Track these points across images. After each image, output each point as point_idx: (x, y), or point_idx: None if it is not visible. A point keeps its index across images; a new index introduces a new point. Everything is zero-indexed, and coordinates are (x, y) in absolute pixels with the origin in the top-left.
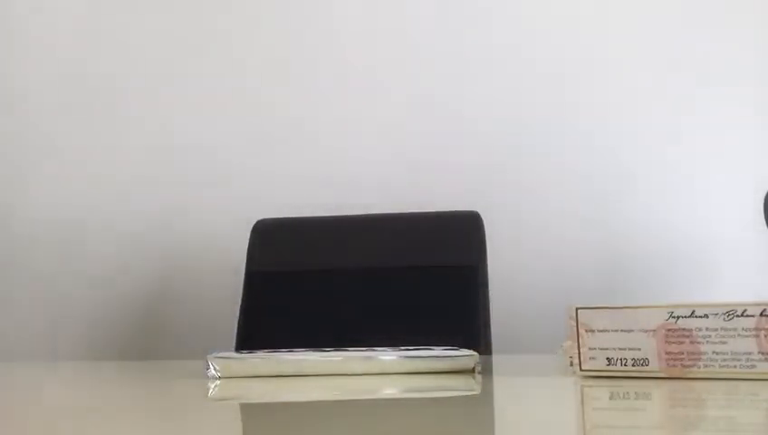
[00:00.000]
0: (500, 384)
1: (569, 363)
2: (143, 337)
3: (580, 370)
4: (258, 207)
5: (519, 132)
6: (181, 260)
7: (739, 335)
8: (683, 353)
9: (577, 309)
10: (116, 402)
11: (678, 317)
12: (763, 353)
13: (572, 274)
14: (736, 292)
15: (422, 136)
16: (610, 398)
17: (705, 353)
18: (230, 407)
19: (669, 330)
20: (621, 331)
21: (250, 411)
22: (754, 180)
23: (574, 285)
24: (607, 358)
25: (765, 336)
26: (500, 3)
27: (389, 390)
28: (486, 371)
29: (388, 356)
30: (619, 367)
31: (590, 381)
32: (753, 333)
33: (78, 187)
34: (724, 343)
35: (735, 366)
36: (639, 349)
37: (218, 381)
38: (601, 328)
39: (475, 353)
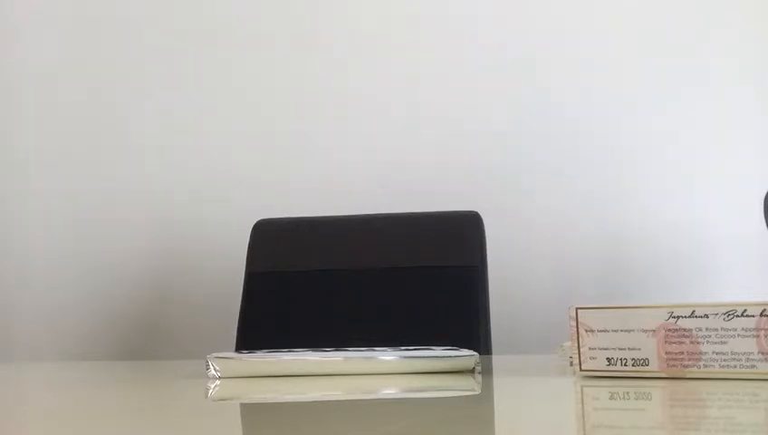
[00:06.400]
0: (500, 384)
1: (569, 363)
2: (143, 337)
3: (580, 370)
4: (258, 208)
5: (519, 133)
6: (181, 260)
7: (739, 335)
8: (683, 353)
9: (577, 309)
10: (116, 402)
11: (678, 317)
12: (763, 353)
13: (572, 273)
14: (736, 292)
15: (422, 136)
16: (610, 398)
17: (705, 353)
18: (230, 407)
19: (669, 330)
20: (621, 331)
21: (250, 411)
22: (754, 180)
23: (574, 284)
24: (607, 358)
25: (765, 336)
26: (500, 4)
27: (389, 390)
28: (486, 371)
29: (388, 356)
30: (619, 367)
31: (590, 381)
32: (753, 333)
33: (78, 187)
34: (724, 343)
35: (735, 366)
36: (639, 349)
37: (218, 381)
38: (601, 328)
39: (475, 353)
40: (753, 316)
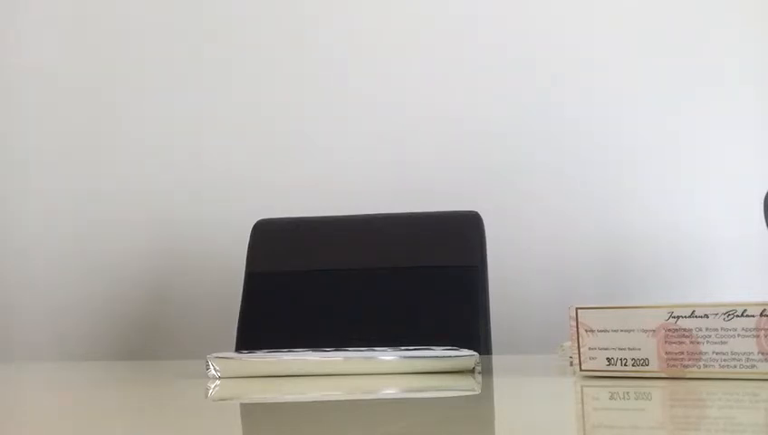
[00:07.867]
0: (500, 384)
1: (569, 363)
2: (143, 337)
3: (580, 370)
4: (258, 208)
5: (519, 133)
6: (181, 260)
7: (739, 335)
8: (683, 353)
9: (577, 309)
10: (116, 402)
11: (678, 317)
12: (762, 353)
13: (572, 273)
14: (736, 292)
15: (422, 136)
16: (610, 398)
17: (705, 353)
18: (230, 407)
19: (669, 330)
20: (621, 331)
21: (250, 411)
22: (754, 180)
23: (574, 284)
24: (607, 358)
25: (765, 336)
26: (500, 4)
27: (389, 390)
28: (486, 371)
29: (388, 356)
30: (619, 367)
31: (590, 381)
32: (753, 333)
33: (78, 187)
34: (724, 343)
35: (735, 366)
36: (639, 349)
37: (218, 381)
38: (601, 328)
39: (475, 353)
40: (753, 316)
